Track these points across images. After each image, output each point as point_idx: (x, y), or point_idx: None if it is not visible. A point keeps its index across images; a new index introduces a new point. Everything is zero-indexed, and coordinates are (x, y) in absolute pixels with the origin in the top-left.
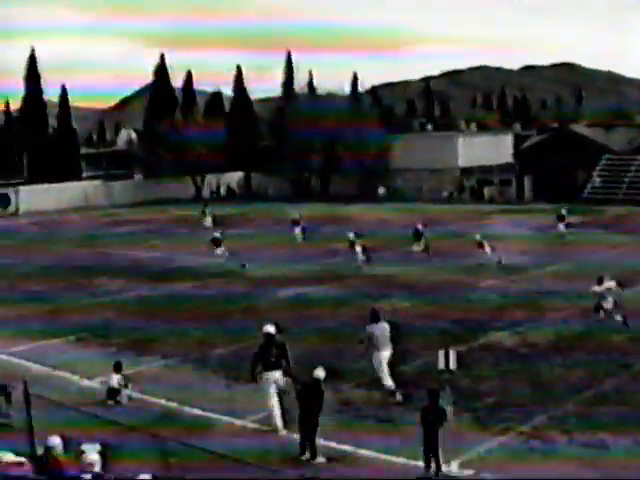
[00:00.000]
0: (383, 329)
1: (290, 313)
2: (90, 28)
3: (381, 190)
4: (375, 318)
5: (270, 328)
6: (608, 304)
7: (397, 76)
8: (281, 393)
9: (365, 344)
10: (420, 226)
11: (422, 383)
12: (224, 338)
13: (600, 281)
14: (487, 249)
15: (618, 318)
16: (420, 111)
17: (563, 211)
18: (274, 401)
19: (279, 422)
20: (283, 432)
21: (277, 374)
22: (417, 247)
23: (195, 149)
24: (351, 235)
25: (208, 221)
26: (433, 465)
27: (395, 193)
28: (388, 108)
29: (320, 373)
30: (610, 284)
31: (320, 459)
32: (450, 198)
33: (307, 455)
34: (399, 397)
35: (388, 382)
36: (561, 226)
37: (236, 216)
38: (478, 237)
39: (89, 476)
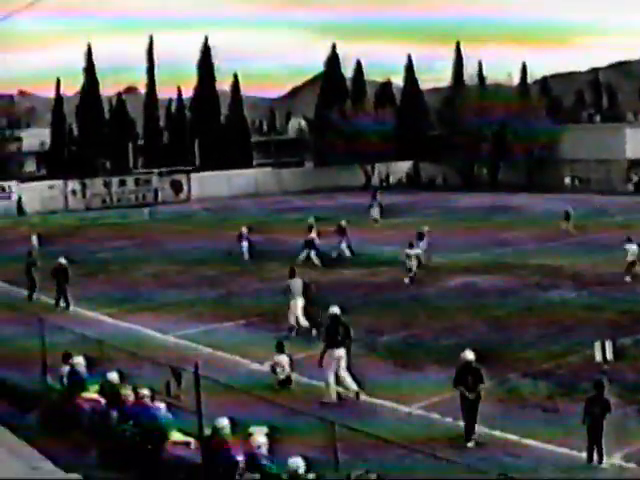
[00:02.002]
0: (298, 283)
1: (458, 302)
2: (262, 19)
3: (567, 180)
4: (292, 274)
5: (335, 309)
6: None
7: (565, 67)
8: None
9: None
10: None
11: (588, 374)
12: (392, 325)
13: (411, 245)
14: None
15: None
16: (588, 102)
17: None
18: (332, 375)
19: (334, 395)
20: (334, 401)
21: (342, 351)
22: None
23: (365, 138)
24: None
25: (375, 211)
26: (596, 457)
27: (582, 183)
28: (556, 99)
29: (469, 355)
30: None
31: (469, 444)
32: (638, 187)
33: (472, 442)
34: (315, 333)
35: (304, 322)
36: None
37: (406, 205)
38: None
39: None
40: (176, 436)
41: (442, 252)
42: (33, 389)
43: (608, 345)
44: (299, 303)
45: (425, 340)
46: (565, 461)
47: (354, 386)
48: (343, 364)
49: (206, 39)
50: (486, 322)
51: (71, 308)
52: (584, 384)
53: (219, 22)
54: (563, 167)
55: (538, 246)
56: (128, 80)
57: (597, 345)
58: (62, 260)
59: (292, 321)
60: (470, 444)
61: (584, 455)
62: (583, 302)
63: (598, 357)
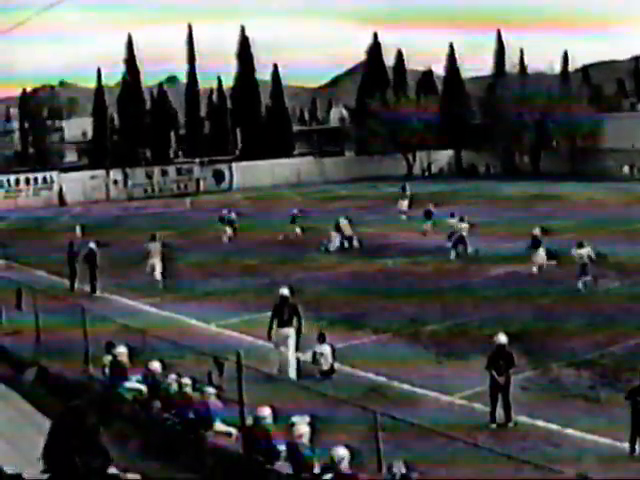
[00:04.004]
0: (156, 246)
1: (501, 290)
2: (300, 8)
3: (625, 169)
4: (153, 239)
5: (285, 290)
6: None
7: (607, 55)
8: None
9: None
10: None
11: (632, 364)
12: (436, 315)
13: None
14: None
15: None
16: (629, 90)
17: None
18: (290, 354)
19: (293, 374)
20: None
21: (290, 331)
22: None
23: (407, 127)
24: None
25: (404, 204)
26: (638, 447)
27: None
28: (598, 87)
29: (502, 339)
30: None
31: (493, 425)
32: None
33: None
34: (161, 285)
35: (158, 277)
36: None
37: (448, 193)
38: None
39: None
40: (218, 426)
41: (483, 241)
42: (75, 379)
43: None
44: (156, 261)
45: (469, 329)
46: (607, 451)
47: (292, 373)
48: (291, 343)
49: (243, 29)
50: (530, 311)
51: (96, 294)
52: (627, 374)
53: (260, 11)
54: (605, 156)
55: (583, 234)
56: (169, 70)
57: None
58: (92, 245)
59: (157, 277)
60: (493, 425)
61: (626, 445)
62: (626, 291)
63: None
